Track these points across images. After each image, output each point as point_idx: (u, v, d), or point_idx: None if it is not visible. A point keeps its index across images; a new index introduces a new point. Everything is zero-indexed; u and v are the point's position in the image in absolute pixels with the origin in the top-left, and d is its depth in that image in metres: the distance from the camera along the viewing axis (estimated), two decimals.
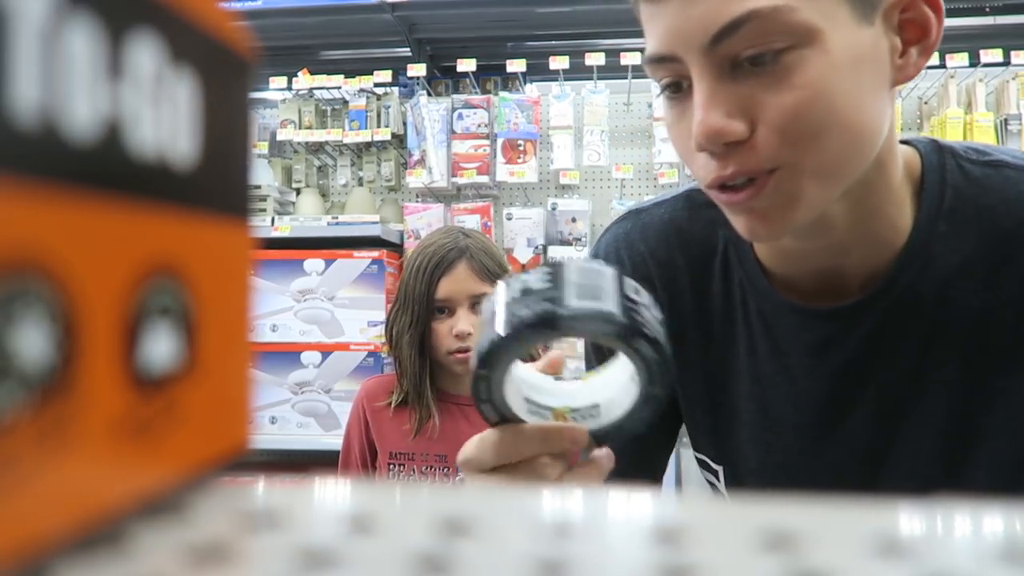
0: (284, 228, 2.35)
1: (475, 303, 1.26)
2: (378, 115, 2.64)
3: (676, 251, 0.69)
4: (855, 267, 0.61)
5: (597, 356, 0.75)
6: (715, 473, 0.71)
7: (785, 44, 0.50)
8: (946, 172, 0.60)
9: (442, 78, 2.98)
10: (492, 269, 1.27)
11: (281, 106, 2.72)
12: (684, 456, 2.12)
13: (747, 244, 0.65)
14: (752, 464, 0.68)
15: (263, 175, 2.68)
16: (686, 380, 0.70)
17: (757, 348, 0.66)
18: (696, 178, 0.57)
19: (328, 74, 2.65)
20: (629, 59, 2.43)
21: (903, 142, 0.62)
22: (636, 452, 0.77)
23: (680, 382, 0.71)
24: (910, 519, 0.21)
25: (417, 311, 1.26)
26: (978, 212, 0.59)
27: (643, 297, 0.46)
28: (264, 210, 2.52)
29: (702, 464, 0.73)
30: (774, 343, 0.65)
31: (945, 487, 0.61)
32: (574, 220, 2.48)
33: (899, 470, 0.62)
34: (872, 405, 0.62)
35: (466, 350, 1.25)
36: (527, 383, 0.50)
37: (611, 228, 0.75)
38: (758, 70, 0.51)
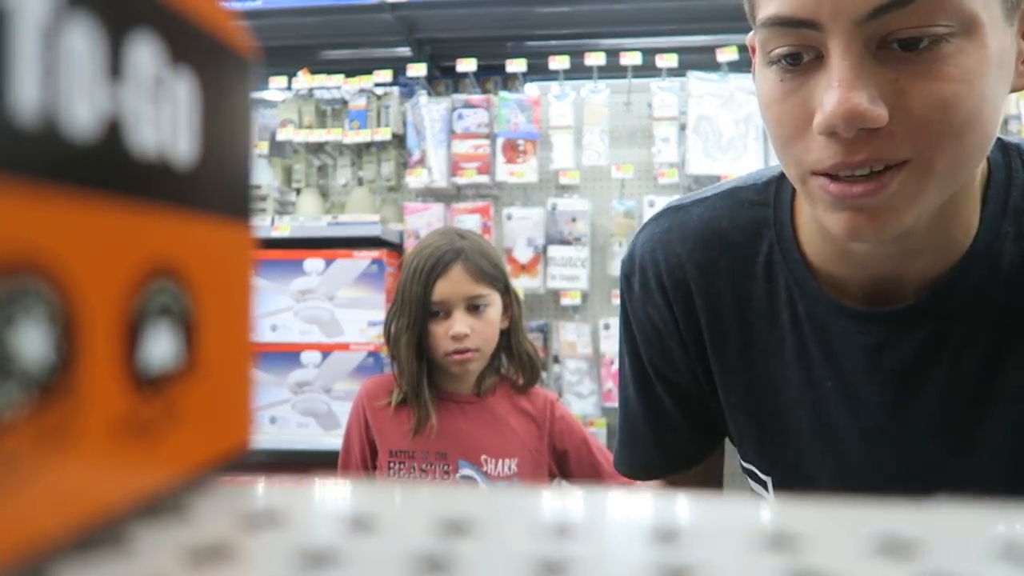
0: (284, 228, 2.35)
1: (471, 305, 1.27)
2: (378, 115, 2.64)
3: (716, 252, 0.66)
4: (918, 271, 0.57)
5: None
6: (763, 484, 0.68)
7: (947, 30, 0.46)
8: (1012, 171, 0.57)
9: (442, 78, 2.98)
10: (488, 271, 1.28)
11: (281, 106, 2.71)
12: None
13: (794, 244, 0.62)
14: (806, 472, 0.64)
15: (263, 175, 2.68)
16: (729, 385, 0.67)
17: (808, 352, 0.62)
18: (795, 163, 0.52)
19: (328, 74, 2.65)
20: (629, 59, 2.43)
21: None
22: (663, 447, 0.73)
23: (723, 388, 0.68)
24: (910, 519, 0.21)
25: (414, 313, 1.26)
26: None
27: None
28: (264, 210, 2.52)
29: (750, 474, 0.69)
30: (825, 347, 0.61)
31: (1010, 496, 0.58)
32: (574, 220, 2.47)
33: (962, 481, 0.59)
34: (935, 413, 0.59)
35: (463, 351, 1.26)
36: None
37: (648, 225, 0.71)
38: (909, 54, 0.46)
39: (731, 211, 0.66)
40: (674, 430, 0.73)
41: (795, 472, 0.65)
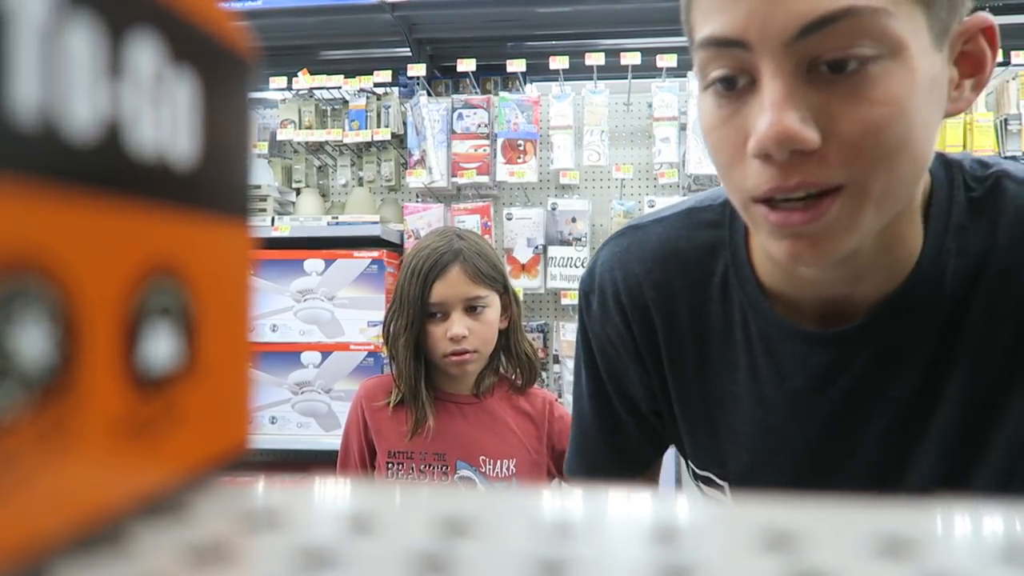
0: (284, 228, 2.35)
1: (469, 306, 1.27)
2: (378, 115, 2.64)
3: (673, 273, 0.67)
4: (867, 292, 0.58)
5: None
6: (721, 488, 0.69)
7: (873, 52, 0.46)
8: (954, 188, 0.58)
9: (442, 78, 2.98)
10: (486, 272, 1.28)
11: (281, 106, 2.72)
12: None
13: (748, 266, 0.63)
14: (761, 483, 0.66)
15: (263, 175, 2.68)
16: (685, 401, 0.69)
17: (759, 372, 0.64)
18: (736, 189, 0.52)
19: (328, 74, 2.65)
20: (629, 59, 2.43)
21: None
22: (616, 451, 0.76)
23: (679, 403, 0.69)
24: (910, 519, 0.21)
25: (412, 314, 1.26)
26: (981, 229, 0.57)
27: None
28: (264, 210, 2.52)
29: (706, 481, 0.71)
30: (777, 368, 0.63)
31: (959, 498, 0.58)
32: (574, 220, 2.48)
33: (908, 491, 0.60)
34: (881, 429, 0.60)
35: (461, 353, 1.26)
36: None
37: (608, 244, 0.73)
38: (838, 77, 0.47)
39: (688, 231, 0.67)
40: (626, 441, 0.75)
41: (751, 482, 0.66)
